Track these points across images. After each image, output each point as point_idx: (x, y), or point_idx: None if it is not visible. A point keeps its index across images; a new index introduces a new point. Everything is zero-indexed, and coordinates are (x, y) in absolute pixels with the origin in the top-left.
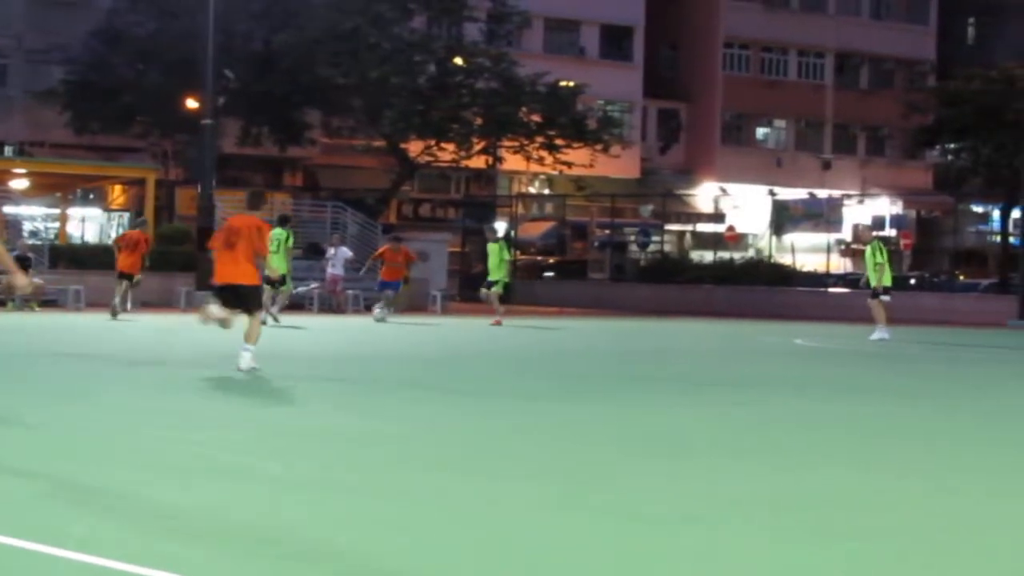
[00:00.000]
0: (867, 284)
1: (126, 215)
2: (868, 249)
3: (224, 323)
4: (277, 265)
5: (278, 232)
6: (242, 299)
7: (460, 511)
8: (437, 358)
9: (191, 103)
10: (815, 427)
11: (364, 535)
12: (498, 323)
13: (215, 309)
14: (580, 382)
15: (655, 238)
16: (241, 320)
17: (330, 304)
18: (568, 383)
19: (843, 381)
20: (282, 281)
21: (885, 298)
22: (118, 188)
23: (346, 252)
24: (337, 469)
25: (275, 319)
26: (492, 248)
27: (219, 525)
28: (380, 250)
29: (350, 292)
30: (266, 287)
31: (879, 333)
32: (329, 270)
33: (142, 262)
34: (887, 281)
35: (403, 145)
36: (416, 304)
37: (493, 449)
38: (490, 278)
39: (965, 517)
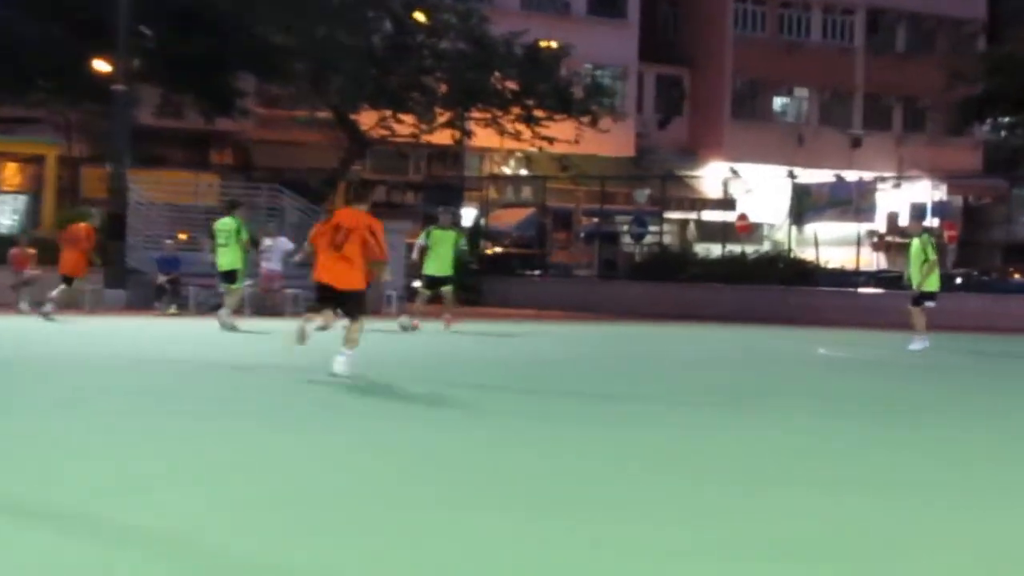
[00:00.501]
0: (910, 283)
1: (22, 198)
2: (915, 243)
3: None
4: (229, 260)
5: (226, 222)
6: (343, 304)
7: (492, 553)
8: (404, 369)
9: (101, 66)
10: (888, 452)
11: None
12: (448, 322)
13: (307, 327)
14: (561, 398)
15: (652, 228)
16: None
17: (265, 305)
18: (546, 399)
19: (889, 397)
20: (233, 278)
21: (930, 304)
22: (12, 167)
23: (285, 244)
24: (303, 494)
25: (231, 326)
26: (442, 236)
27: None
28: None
29: (289, 291)
30: (226, 286)
31: (918, 343)
32: (264, 265)
33: (87, 261)
34: (933, 285)
35: (353, 117)
36: (369, 305)
37: (506, 479)
38: (436, 272)
39: None
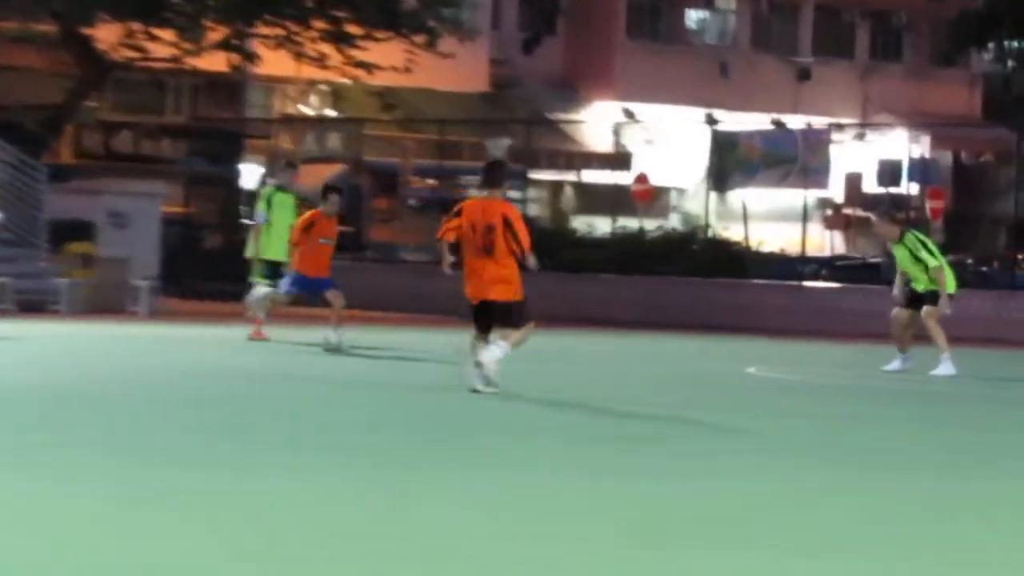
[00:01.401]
0: (907, 296)
1: None
2: (900, 251)
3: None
4: None
5: None
6: (500, 318)
7: None
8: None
9: None
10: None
11: None
12: (259, 335)
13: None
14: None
15: (514, 194)
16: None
17: None
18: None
19: (846, 437)
20: None
21: (946, 311)
22: None
23: None
24: None
25: None
26: (284, 202)
27: None
28: (310, 214)
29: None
30: None
31: (945, 366)
32: None
33: None
34: (951, 287)
35: (87, 32)
36: (106, 301)
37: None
38: (281, 256)
39: None
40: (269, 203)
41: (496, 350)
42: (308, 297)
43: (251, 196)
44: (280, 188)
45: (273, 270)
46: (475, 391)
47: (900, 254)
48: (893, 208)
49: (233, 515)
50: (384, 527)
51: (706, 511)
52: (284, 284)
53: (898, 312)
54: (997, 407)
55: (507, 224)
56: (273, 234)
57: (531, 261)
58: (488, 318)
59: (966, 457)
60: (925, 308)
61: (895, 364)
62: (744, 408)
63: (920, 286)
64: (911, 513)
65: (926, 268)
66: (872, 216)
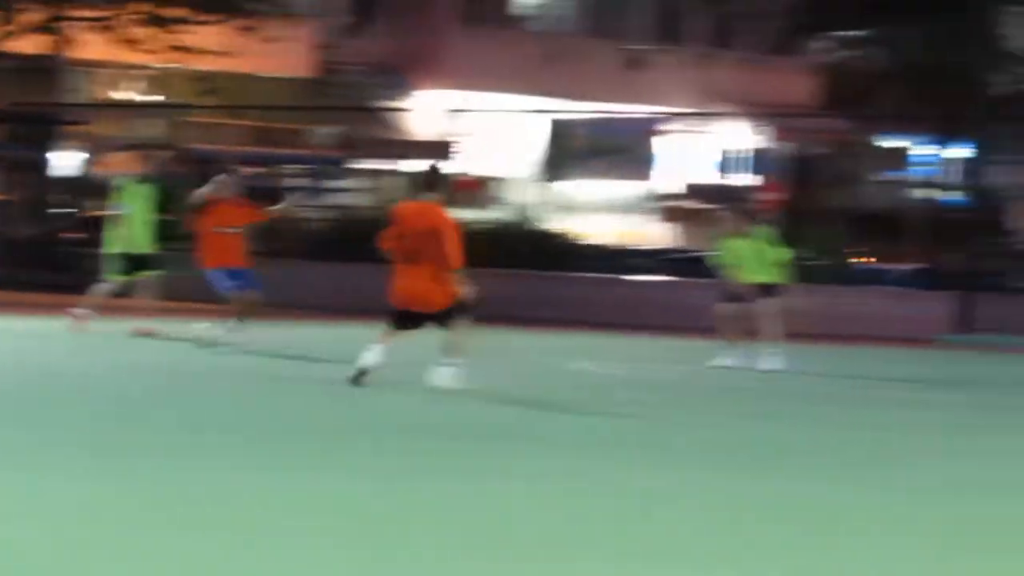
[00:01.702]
0: (736, 290)
1: None
2: (749, 242)
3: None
4: None
5: None
6: (435, 323)
7: None
8: None
9: None
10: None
11: None
12: (148, 331)
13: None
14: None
15: (339, 184)
16: None
17: None
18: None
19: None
20: None
21: (771, 302)
22: None
23: None
24: None
25: None
26: (137, 193)
27: None
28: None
29: None
30: None
31: (775, 360)
32: None
33: None
34: (788, 280)
35: None
36: None
37: None
38: (118, 248)
39: None
40: (125, 194)
41: (445, 371)
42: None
43: (99, 188)
44: (144, 179)
45: (130, 263)
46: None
47: (746, 245)
48: (734, 199)
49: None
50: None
51: (526, 513)
52: (220, 283)
53: (725, 306)
54: (829, 404)
55: (441, 233)
56: (129, 226)
57: (461, 281)
58: (411, 324)
59: (793, 455)
60: (765, 301)
61: (726, 359)
62: (572, 405)
63: (759, 278)
64: (755, 513)
65: (768, 260)
66: (720, 207)
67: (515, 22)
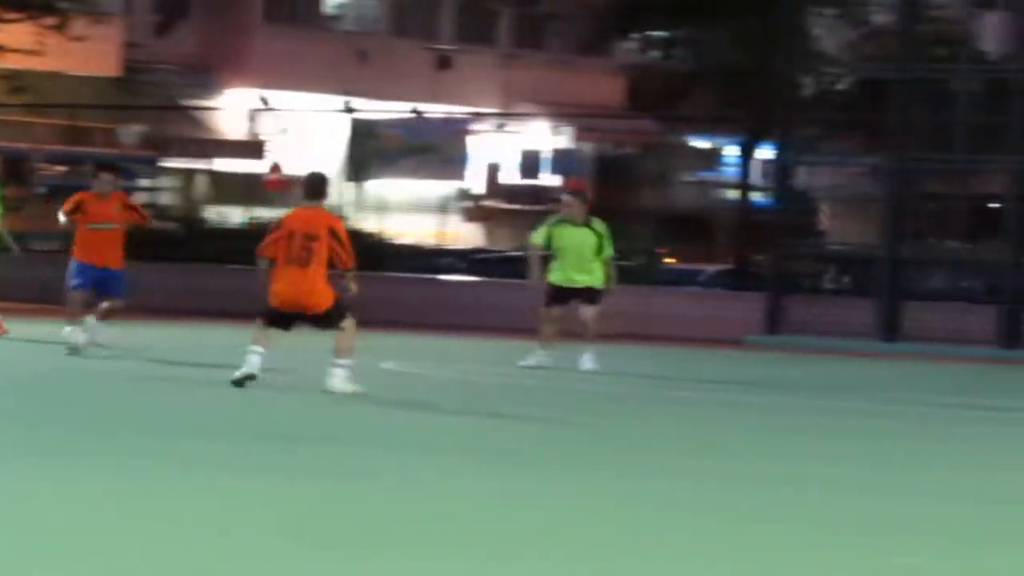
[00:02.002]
0: (558, 291)
1: None
2: (583, 234)
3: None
4: None
5: None
6: (321, 325)
7: None
8: None
9: None
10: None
11: None
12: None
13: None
14: None
15: (145, 182)
16: None
17: None
18: None
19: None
20: None
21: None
22: None
23: None
24: None
25: None
26: None
27: None
28: (77, 196)
29: None
30: None
31: (591, 360)
32: None
33: None
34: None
35: None
36: None
37: None
38: None
39: None
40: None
41: (339, 373)
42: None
43: None
44: None
45: None
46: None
47: (579, 238)
48: (543, 199)
49: None
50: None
51: (355, 512)
52: (70, 277)
53: (551, 310)
54: (641, 404)
55: (333, 235)
56: None
57: (352, 282)
58: (290, 322)
59: (611, 453)
60: (589, 307)
61: (534, 360)
62: (385, 403)
63: (582, 278)
64: (572, 512)
65: (593, 257)
66: (564, 196)
67: (324, 21)
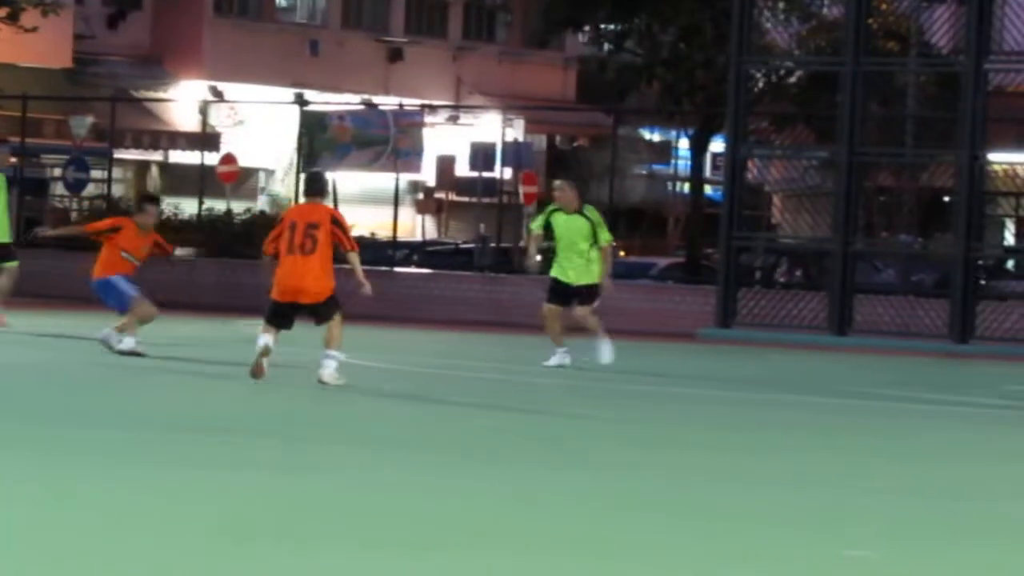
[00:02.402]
0: (565, 282)
1: None
2: (576, 221)
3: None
4: None
5: None
6: (317, 315)
7: None
8: None
9: None
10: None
11: None
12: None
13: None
14: None
15: (98, 173)
16: None
17: None
18: None
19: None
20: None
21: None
22: None
23: None
24: None
25: None
26: None
27: None
28: (119, 220)
29: None
30: None
31: (558, 358)
32: None
33: None
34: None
35: None
36: None
37: None
38: None
39: None
40: None
41: (330, 363)
42: None
43: None
44: None
45: None
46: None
47: (573, 225)
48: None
49: None
50: None
51: (285, 504)
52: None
53: (551, 307)
54: (590, 397)
55: (334, 222)
56: None
57: (356, 261)
58: (291, 317)
59: (552, 446)
60: (581, 307)
61: (555, 359)
62: (332, 397)
63: (578, 274)
64: (506, 505)
65: (590, 247)
66: (557, 181)
67: (275, 14)
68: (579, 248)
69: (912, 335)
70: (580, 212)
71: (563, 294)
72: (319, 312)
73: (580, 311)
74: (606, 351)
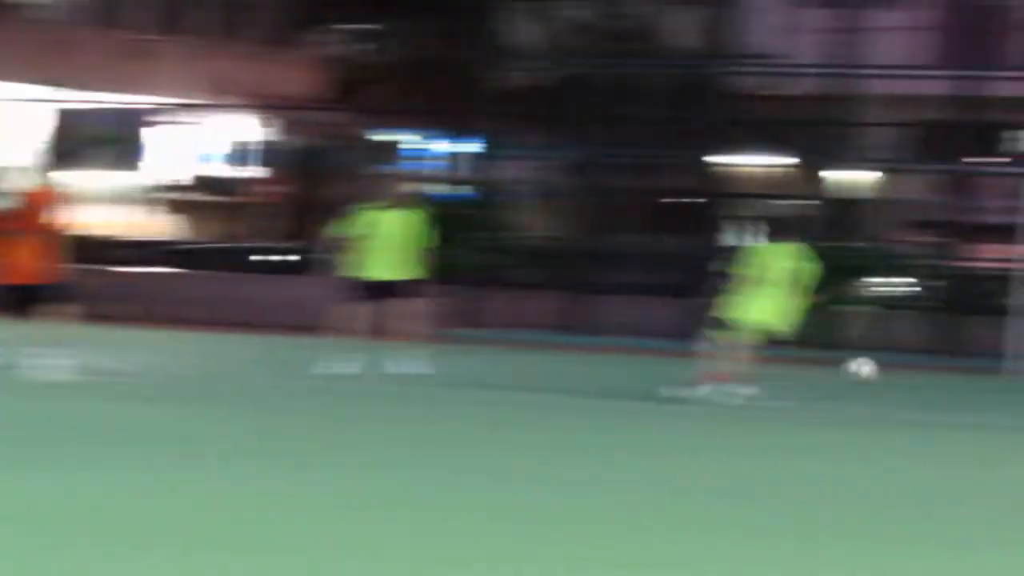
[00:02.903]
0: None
1: None
2: (407, 219)
3: None
4: None
5: None
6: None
7: None
8: None
9: None
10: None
11: None
12: None
13: None
14: None
15: None
16: None
17: None
18: None
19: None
20: None
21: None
22: None
23: None
24: None
25: None
26: None
27: None
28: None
29: None
30: None
31: (412, 364)
32: None
33: None
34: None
35: None
36: None
37: None
38: None
39: None
40: None
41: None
42: None
43: None
44: None
45: None
46: None
47: (402, 222)
48: (241, 191)
49: None
50: None
51: (96, 504)
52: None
53: (360, 307)
54: (315, 396)
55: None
56: None
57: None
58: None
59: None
60: (403, 304)
61: (337, 367)
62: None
63: (392, 271)
64: (325, 509)
65: (406, 245)
66: (375, 177)
67: (20, 10)
68: (397, 248)
69: (643, 334)
70: (402, 209)
71: (372, 292)
72: (45, 296)
73: (401, 308)
74: (411, 363)
